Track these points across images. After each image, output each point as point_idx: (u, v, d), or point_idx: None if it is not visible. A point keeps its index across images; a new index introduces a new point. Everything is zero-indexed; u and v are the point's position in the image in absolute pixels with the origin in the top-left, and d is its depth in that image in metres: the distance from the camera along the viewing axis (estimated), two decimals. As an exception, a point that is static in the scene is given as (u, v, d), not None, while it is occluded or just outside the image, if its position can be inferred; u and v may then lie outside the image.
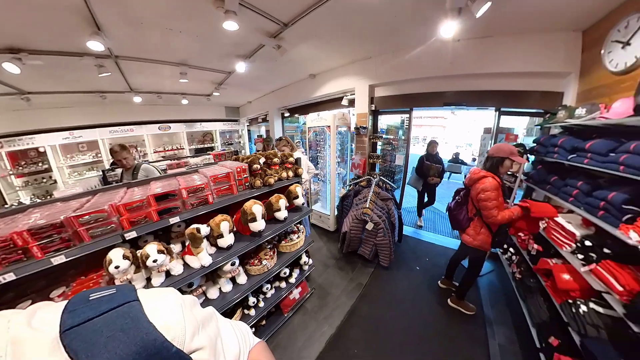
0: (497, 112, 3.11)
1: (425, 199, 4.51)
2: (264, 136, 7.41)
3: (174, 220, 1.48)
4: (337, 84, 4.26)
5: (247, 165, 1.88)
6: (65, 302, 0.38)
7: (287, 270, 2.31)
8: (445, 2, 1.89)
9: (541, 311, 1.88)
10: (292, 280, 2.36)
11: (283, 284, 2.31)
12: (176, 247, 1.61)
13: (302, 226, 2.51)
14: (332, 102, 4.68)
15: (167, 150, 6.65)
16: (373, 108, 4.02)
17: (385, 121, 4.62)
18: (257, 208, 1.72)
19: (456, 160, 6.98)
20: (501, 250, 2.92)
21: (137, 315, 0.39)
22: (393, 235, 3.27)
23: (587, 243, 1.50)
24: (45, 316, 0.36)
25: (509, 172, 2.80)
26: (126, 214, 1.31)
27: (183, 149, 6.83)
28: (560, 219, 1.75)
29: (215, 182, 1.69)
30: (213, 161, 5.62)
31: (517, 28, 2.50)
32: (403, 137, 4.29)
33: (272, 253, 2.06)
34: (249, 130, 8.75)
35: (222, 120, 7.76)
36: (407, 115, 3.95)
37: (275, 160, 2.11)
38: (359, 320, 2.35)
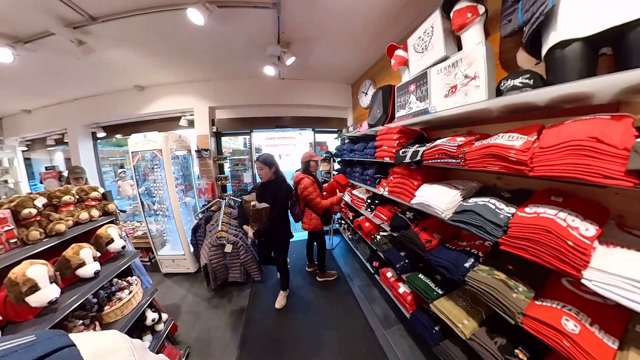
0: (314, 132, 4.41)
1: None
2: (58, 168, 4.93)
3: None
4: (173, 102, 3.97)
5: (10, 212, 1.25)
6: None
7: (128, 344, 1.67)
8: (266, 49, 2.60)
9: (365, 250, 2.90)
10: (144, 352, 1.76)
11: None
12: None
13: (134, 277, 1.95)
14: (169, 122, 4.26)
15: None
16: (215, 130, 4.08)
17: (231, 143, 4.83)
18: (35, 270, 1.14)
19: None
20: (339, 225, 4.01)
21: None
22: (255, 247, 3.30)
23: (369, 201, 2.54)
24: None
25: (326, 171, 3.96)
26: None
27: None
28: (355, 192, 2.81)
29: None
30: None
31: (319, 77, 3.83)
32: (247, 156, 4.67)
33: (91, 329, 1.46)
34: (27, 159, 5.49)
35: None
36: (249, 137, 4.45)
37: (67, 198, 1.53)
38: (254, 344, 2.21)
